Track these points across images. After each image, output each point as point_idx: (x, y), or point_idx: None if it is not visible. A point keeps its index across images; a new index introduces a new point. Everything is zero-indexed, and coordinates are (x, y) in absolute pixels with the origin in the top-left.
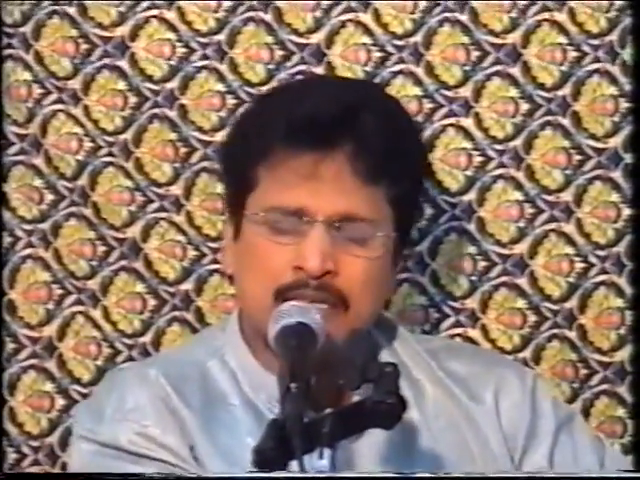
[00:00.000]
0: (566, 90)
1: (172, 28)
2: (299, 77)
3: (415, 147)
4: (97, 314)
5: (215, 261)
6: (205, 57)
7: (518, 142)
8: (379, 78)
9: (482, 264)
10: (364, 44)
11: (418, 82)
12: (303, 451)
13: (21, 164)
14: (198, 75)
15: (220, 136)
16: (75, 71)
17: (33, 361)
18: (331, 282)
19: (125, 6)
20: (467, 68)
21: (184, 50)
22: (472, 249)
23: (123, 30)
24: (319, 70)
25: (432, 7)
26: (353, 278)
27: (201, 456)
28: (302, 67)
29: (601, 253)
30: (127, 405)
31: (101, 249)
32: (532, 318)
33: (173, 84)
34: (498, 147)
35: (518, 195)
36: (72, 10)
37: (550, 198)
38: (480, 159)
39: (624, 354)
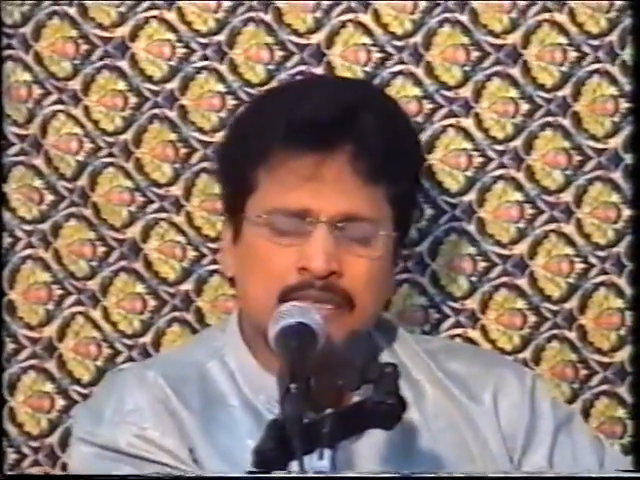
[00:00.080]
0: (566, 90)
1: (172, 29)
2: (297, 77)
3: (413, 146)
4: (97, 314)
5: (215, 262)
6: (205, 58)
7: (518, 143)
8: (379, 78)
9: (482, 265)
10: (364, 44)
11: (418, 82)
12: (303, 452)
13: (21, 164)
14: (198, 75)
15: (220, 137)
16: (75, 72)
17: (33, 361)
18: (336, 282)
19: (125, 7)
20: (467, 68)
21: (184, 50)
22: (472, 250)
23: (123, 31)
24: (319, 70)
25: (432, 7)
26: (357, 278)
27: (200, 457)
28: (302, 67)
29: (601, 254)
30: (126, 407)
31: (101, 249)
32: (532, 319)
33: (173, 84)
34: (498, 148)
35: (518, 196)
36: (72, 11)
37: (550, 199)
38: (480, 160)
39: (624, 355)
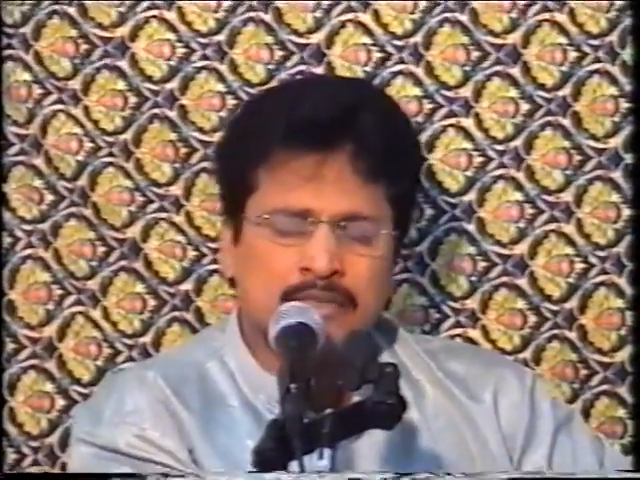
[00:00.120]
0: (566, 90)
1: (172, 28)
2: (296, 77)
3: (412, 145)
4: (97, 314)
5: (215, 261)
6: (205, 57)
7: (518, 142)
8: (379, 78)
9: (482, 264)
10: (364, 44)
11: (418, 82)
12: (303, 452)
13: (21, 164)
14: (198, 75)
15: (220, 137)
16: (75, 71)
17: (33, 361)
18: (338, 282)
19: (125, 6)
20: (467, 68)
21: (184, 50)
22: (472, 249)
23: (123, 30)
24: (319, 70)
25: (432, 7)
26: (359, 277)
27: (200, 458)
28: (302, 67)
29: (601, 253)
30: (126, 408)
31: (101, 249)
32: (532, 319)
33: (173, 84)
34: (498, 147)
35: (518, 195)
36: (72, 10)
37: (550, 198)
38: (480, 159)
39: (624, 354)
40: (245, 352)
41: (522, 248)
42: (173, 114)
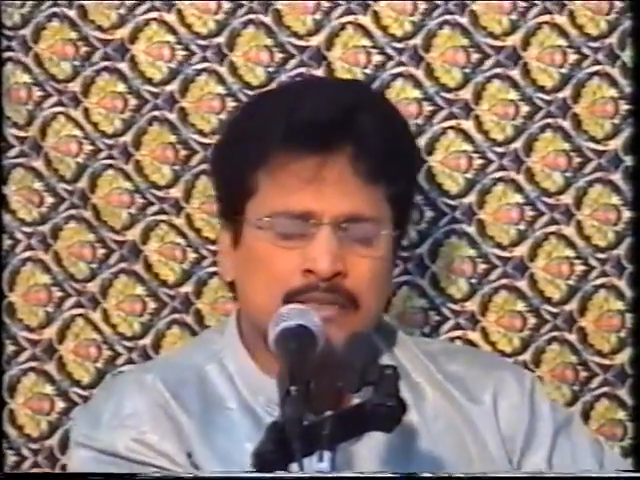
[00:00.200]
0: (566, 92)
1: (172, 31)
2: (294, 79)
3: (410, 145)
4: (97, 316)
5: (215, 264)
6: (205, 60)
7: (518, 144)
8: (379, 81)
9: (482, 267)
10: (364, 46)
11: (418, 84)
12: (303, 454)
13: (21, 167)
14: (198, 78)
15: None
16: (75, 74)
17: (33, 363)
18: (341, 283)
19: (125, 9)
20: (467, 70)
21: (184, 53)
22: (472, 252)
23: (123, 33)
24: (319, 73)
25: (432, 9)
26: (361, 278)
27: (199, 461)
28: (302, 70)
29: (601, 256)
30: (124, 411)
31: (101, 251)
32: (532, 321)
33: (173, 86)
34: (498, 150)
35: (518, 198)
36: (72, 13)
37: (550, 201)
38: (480, 162)
39: (624, 357)
40: (244, 355)
41: (522, 250)
42: (173, 116)
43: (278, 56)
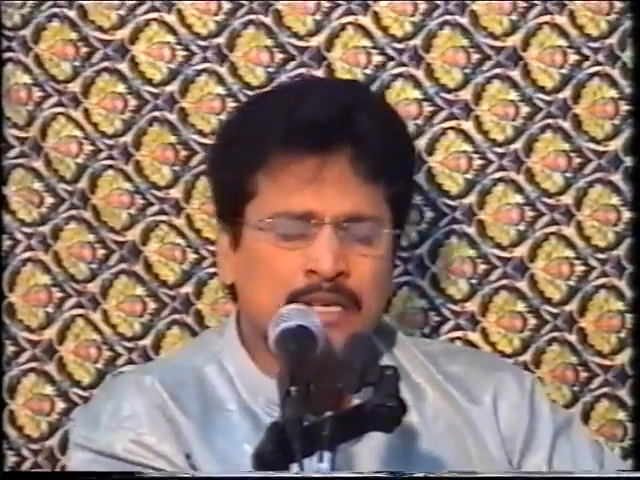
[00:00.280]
0: (566, 93)
1: (172, 31)
2: (292, 79)
3: (408, 146)
4: (97, 317)
5: (215, 264)
6: (205, 60)
7: (518, 145)
8: (379, 81)
9: (482, 267)
10: (364, 47)
11: (418, 85)
12: (303, 454)
13: (21, 167)
14: (198, 78)
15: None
16: (75, 74)
17: (33, 364)
18: (343, 283)
19: (125, 9)
20: (467, 71)
21: (184, 53)
22: (472, 252)
23: (123, 33)
24: (319, 73)
25: (432, 10)
26: (363, 277)
27: (198, 463)
28: (302, 70)
29: (601, 256)
30: (123, 413)
31: (101, 252)
32: (532, 321)
33: (173, 87)
34: (498, 150)
35: (518, 198)
36: (72, 13)
37: (550, 201)
38: (480, 162)
39: (624, 357)
40: (244, 356)
41: (522, 251)
42: (173, 117)
43: (278, 56)
